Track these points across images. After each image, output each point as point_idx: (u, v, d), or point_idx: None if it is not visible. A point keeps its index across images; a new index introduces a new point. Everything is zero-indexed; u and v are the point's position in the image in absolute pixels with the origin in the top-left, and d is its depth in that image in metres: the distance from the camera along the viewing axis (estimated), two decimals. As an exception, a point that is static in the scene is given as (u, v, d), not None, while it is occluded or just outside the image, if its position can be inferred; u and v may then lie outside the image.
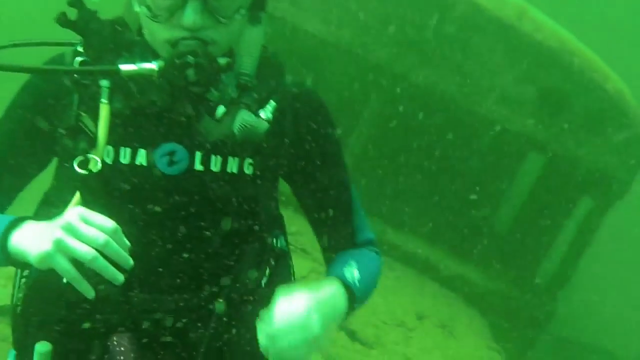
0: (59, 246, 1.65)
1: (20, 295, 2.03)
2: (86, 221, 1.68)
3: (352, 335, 5.19)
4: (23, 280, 2.05)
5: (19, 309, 2.03)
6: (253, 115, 1.88)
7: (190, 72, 1.80)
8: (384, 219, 7.12)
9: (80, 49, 1.91)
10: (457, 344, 6.14)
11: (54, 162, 2.06)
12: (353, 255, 2.16)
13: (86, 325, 1.97)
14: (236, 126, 1.86)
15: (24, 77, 2.02)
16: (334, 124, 2.17)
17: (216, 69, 1.84)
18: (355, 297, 2.00)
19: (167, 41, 1.83)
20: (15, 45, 2.00)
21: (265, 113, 1.92)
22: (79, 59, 1.90)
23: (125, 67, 1.83)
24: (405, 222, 7.42)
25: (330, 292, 1.94)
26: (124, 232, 1.72)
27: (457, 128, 7.54)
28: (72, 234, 1.66)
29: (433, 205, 7.78)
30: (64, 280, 1.80)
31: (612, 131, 7.33)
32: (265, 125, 1.90)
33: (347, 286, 2.00)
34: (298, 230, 5.29)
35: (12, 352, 2.06)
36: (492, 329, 7.03)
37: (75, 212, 1.70)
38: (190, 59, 1.79)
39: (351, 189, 2.21)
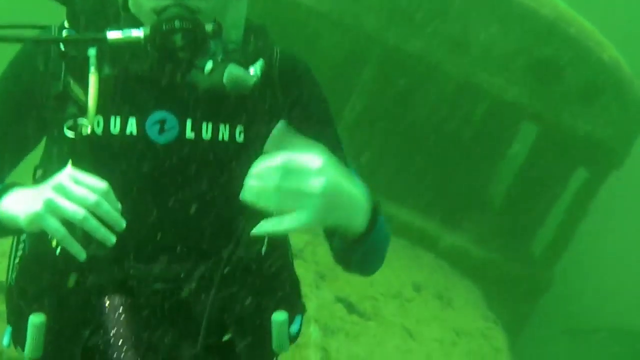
0: (49, 206, 1.63)
1: (14, 275, 2.04)
2: (77, 181, 1.66)
3: (350, 307, 5.18)
4: (17, 261, 2.05)
5: (12, 284, 2.04)
6: (242, 69, 1.87)
7: (178, 38, 1.80)
8: (378, 191, 7.07)
9: (66, 23, 1.91)
10: (454, 314, 6.14)
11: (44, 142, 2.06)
12: None
13: (78, 291, 1.96)
14: (225, 77, 1.84)
15: (11, 51, 2.01)
16: (319, 85, 2.14)
17: (203, 34, 1.83)
18: (376, 219, 1.78)
19: (153, 10, 1.82)
20: None
21: (255, 69, 1.91)
22: (65, 32, 1.89)
23: (112, 35, 1.82)
24: (399, 194, 7.38)
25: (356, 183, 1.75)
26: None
27: (450, 98, 7.50)
28: (63, 194, 1.64)
29: (427, 176, 7.75)
30: (55, 248, 1.84)
31: (607, 101, 7.28)
32: (254, 78, 1.88)
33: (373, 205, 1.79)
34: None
35: (8, 329, 2.05)
36: (488, 299, 7.02)
37: (66, 173, 1.68)
38: (177, 23, 1.78)
39: (343, 149, 2.14)
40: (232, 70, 1.85)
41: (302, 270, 5.24)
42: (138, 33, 1.82)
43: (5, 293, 2.06)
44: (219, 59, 1.89)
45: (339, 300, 5.17)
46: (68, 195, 1.64)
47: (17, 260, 2.06)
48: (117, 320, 1.97)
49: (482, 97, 7.39)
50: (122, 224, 1.68)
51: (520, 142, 8.76)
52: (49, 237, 1.76)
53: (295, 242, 5.66)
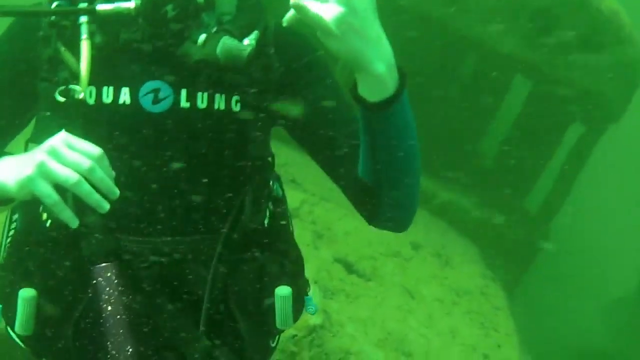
0: (41, 169, 1.58)
1: (4, 254, 2.01)
2: (71, 146, 1.61)
3: (349, 268, 5.08)
4: (8, 240, 2.02)
5: (2, 262, 2.00)
6: (236, 40, 1.83)
7: (169, 8, 1.77)
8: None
9: None
10: (453, 273, 6.09)
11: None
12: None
13: (70, 265, 1.90)
14: (219, 49, 1.80)
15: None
16: (318, 49, 2.06)
17: (195, 5, 1.79)
18: (403, 87, 1.73)
19: None
20: None
21: (249, 40, 1.86)
22: (55, 2, 1.84)
23: (101, 7, 1.78)
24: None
25: None
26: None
27: (441, 51, 7.37)
28: (56, 157, 1.59)
29: (421, 134, 7.64)
30: (46, 221, 1.83)
31: (605, 53, 7.13)
32: (248, 49, 1.83)
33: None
34: (286, 161, 5.16)
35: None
36: (485, 257, 6.96)
37: (59, 137, 1.63)
38: None
39: (351, 108, 2.03)
40: (226, 42, 1.82)
41: (299, 230, 5.13)
42: (129, 4, 1.77)
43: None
44: (213, 31, 1.85)
45: (338, 260, 5.06)
46: (61, 159, 1.59)
47: (8, 240, 2.02)
48: (112, 293, 1.92)
49: (475, 49, 7.25)
50: (116, 191, 1.63)
51: (513, 98, 8.64)
52: (40, 209, 1.78)
53: (291, 201, 5.54)
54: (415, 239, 6.06)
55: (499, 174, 8.12)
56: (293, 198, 5.50)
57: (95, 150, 1.62)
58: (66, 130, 1.73)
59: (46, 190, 1.58)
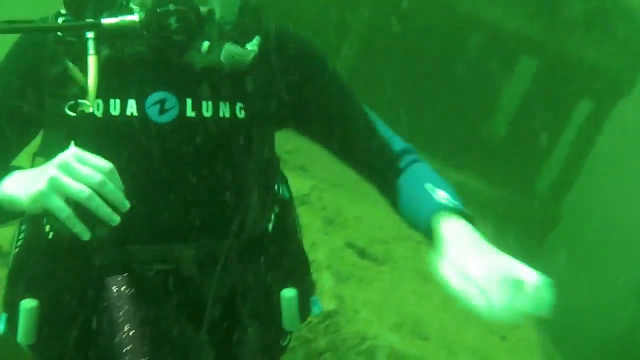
0: (54, 184, 1.60)
1: (12, 262, 2.03)
2: (82, 161, 1.64)
3: (361, 253, 5.02)
4: (17, 249, 2.03)
5: (8, 272, 2.02)
6: (239, 47, 1.87)
7: (172, 20, 1.80)
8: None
9: (62, 11, 1.90)
10: (466, 254, 5.97)
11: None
12: (415, 181, 1.99)
13: (74, 275, 1.94)
14: (222, 55, 1.85)
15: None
16: (320, 52, 2.11)
17: (198, 16, 1.82)
18: (465, 214, 1.83)
19: None
20: None
21: (251, 45, 1.90)
22: (61, 19, 1.89)
23: (106, 21, 1.82)
24: (400, 137, 7.22)
25: (466, 226, 1.79)
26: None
27: (448, 31, 7.31)
28: (67, 172, 1.61)
29: (426, 116, 7.61)
30: (48, 233, 1.85)
31: (613, 27, 7.05)
32: (252, 54, 1.88)
33: (455, 210, 1.82)
34: (294, 147, 5.11)
35: (3, 316, 2.01)
36: (498, 237, 6.88)
37: (70, 152, 1.65)
38: (171, 6, 1.78)
39: (360, 104, 2.13)
40: (229, 48, 1.86)
41: (309, 216, 5.12)
42: (133, 17, 1.81)
43: (6, 282, 2.03)
44: (215, 38, 1.88)
45: (349, 245, 5.01)
46: (73, 174, 1.62)
47: (16, 250, 2.04)
48: (122, 304, 1.96)
49: (481, 29, 7.19)
50: (127, 204, 1.67)
51: (520, 77, 8.58)
52: (43, 221, 1.80)
53: (300, 187, 5.51)
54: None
55: (509, 154, 8.06)
56: (302, 184, 5.49)
57: (106, 164, 1.64)
58: (75, 144, 1.76)
59: (59, 205, 1.60)
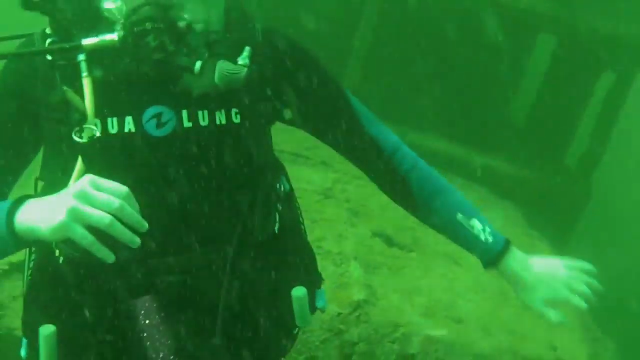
0: (74, 214, 1.63)
1: (27, 285, 2.06)
2: (98, 187, 1.67)
3: (389, 241, 4.97)
4: (29, 272, 2.06)
5: (25, 296, 2.06)
6: (231, 64, 1.87)
7: (150, 39, 1.79)
8: (402, 121, 6.86)
9: (48, 30, 1.91)
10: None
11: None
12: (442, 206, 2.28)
13: (89, 298, 1.97)
14: (217, 76, 1.85)
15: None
16: (310, 52, 2.16)
17: (176, 33, 1.82)
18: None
19: (127, 8, 1.81)
20: None
21: (243, 59, 1.91)
22: (48, 40, 1.89)
23: (87, 42, 1.83)
24: (423, 122, 7.21)
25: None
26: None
27: (463, 15, 7.26)
28: (86, 201, 1.64)
29: (448, 101, 7.56)
30: (59, 257, 1.87)
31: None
32: (245, 70, 1.89)
33: (486, 245, 2.30)
34: (313, 144, 5.08)
35: (24, 341, 2.05)
36: (528, 217, 6.80)
37: (86, 180, 1.68)
38: (148, 25, 1.78)
39: (352, 102, 2.20)
40: (223, 67, 1.87)
41: (334, 209, 5.09)
42: (112, 37, 1.82)
43: (23, 305, 2.08)
44: (205, 54, 1.88)
45: (377, 235, 4.96)
46: (91, 202, 1.65)
47: (29, 272, 2.07)
48: (142, 321, 2.00)
49: (496, 8, 7.12)
50: (145, 225, 1.71)
51: (540, 54, 8.48)
52: (53, 245, 1.83)
53: (323, 181, 5.45)
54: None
55: (534, 131, 7.96)
56: (325, 179, 5.46)
57: (122, 188, 1.68)
58: (85, 167, 1.84)
59: (82, 233, 1.64)
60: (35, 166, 2.08)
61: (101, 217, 1.63)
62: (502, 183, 7.15)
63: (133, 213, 1.68)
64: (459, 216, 2.26)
